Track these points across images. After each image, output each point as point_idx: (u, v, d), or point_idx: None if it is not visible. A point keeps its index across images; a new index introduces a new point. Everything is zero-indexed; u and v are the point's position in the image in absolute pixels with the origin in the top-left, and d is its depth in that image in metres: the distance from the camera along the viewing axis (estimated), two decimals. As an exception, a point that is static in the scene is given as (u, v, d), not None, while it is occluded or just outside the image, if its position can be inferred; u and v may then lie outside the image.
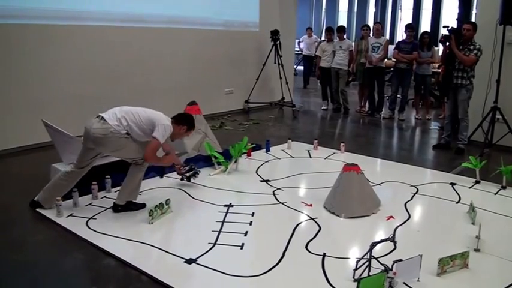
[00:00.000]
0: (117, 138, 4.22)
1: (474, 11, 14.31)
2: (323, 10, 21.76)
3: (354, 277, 3.34)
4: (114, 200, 4.52)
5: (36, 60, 6.56)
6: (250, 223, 4.32)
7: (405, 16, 19.25)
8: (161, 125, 4.27)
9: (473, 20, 11.92)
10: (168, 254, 3.71)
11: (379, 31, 9.75)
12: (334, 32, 10.48)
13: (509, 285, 3.36)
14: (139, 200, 4.61)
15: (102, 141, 4.22)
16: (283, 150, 6.85)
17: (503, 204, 4.96)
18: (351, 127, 9.26)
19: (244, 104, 10.17)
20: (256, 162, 6.23)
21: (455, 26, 7.42)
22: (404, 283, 3.28)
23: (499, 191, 5.38)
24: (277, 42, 9.92)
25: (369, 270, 3.30)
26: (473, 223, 4.36)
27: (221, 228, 4.19)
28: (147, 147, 4.27)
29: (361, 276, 3.25)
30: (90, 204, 4.69)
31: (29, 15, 6.47)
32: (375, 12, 20.39)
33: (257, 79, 10.03)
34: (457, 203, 4.97)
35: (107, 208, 4.56)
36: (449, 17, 16.35)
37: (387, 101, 10.78)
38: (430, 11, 18.00)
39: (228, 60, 9.68)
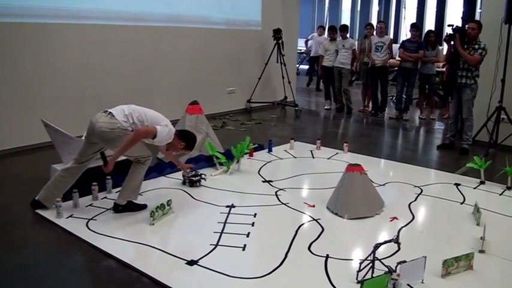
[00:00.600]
0: (123, 135, 4.23)
1: (479, 10, 14.29)
2: (326, 8, 21.75)
3: (357, 279, 3.33)
4: (114, 201, 4.52)
5: (35, 59, 6.57)
6: (253, 224, 4.31)
7: (409, 15, 19.24)
8: (166, 126, 4.29)
9: (477, 18, 11.91)
10: (169, 255, 3.71)
11: (382, 30, 9.74)
12: (337, 30, 10.47)
13: (515, 287, 3.36)
14: (140, 200, 4.62)
15: (108, 136, 4.23)
16: (285, 151, 6.84)
17: (508, 205, 4.95)
18: (354, 127, 9.26)
19: (246, 104, 10.17)
20: (258, 163, 6.23)
21: (459, 24, 7.39)
22: (408, 285, 3.27)
23: (504, 191, 5.37)
24: (280, 41, 9.91)
25: (373, 272, 3.30)
26: (478, 224, 4.35)
27: (223, 229, 4.19)
28: (142, 128, 4.26)
29: (365, 278, 3.25)
30: (90, 205, 4.69)
31: (28, 14, 6.47)
32: (378, 11, 20.38)
33: (259, 78, 10.03)
34: (461, 203, 4.96)
35: (108, 209, 4.56)
36: (454, 16, 16.35)
37: (391, 100, 10.79)
38: (435, 9, 17.98)
39: (230, 59, 9.68)
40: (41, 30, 6.63)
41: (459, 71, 6.95)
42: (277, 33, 9.91)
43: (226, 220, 4.38)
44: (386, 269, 3.30)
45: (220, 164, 5.82)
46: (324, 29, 13.98)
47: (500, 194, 5.30)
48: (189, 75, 8.79)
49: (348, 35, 10.33)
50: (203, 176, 5.35)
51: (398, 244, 3.56)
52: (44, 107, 6.60)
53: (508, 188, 5.41)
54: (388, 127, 9.11)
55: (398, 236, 3.59)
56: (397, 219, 4.46)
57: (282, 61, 9.93)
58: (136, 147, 4.32)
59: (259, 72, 10.01)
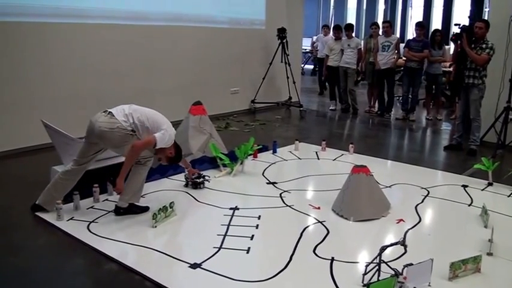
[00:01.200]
0: (123, 134, 4.24)
1: (486, 9, 14.26)
2: (331, 7, 21.73)
3: (363, 282, 3.33)
4: (116, 203, 4.52)
5: (36, 59, 6.58)
6: (257, 226, 4.31)
7: (416, 14, 19.21)
8: (165, 132, 4.28)
9: (485, 17, 11.88)
10: (172, 258, 3.71)
11: (388, 30, 9.70)
12: (343, 30, 10.47)
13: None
14: (142, 202, 4.61)
15: (107, 135, 4.23)
16: (290, 152, 6.84)
17: (516, 207, 4.93)
18: (359, 128, 9.25)
19: (250, 104, 10.17)
20: (262, 164, 6.22)
21: (467, 24, 7.38)
22: (414, 288, 3.27)
23: (512, 193, 5.36)
24: (284, 41, 9.90)
25: (379, 275, 3.29)
26: (485, 226, 4.34)
27: (226, 231, 4.18)
28: (141, 141, 4.26)
29: (371, 281, 3.24)
30: (91, 207, 4.69)
31: (29, 13, 6.48)
32: (384, 10, 20.36)
33: (263, 78, 10.02)
34: (469, 205, 4.95)
35: (109, 211, 4.56)
36: (461, 15, 16.31)
37: (397, 101, 10.77)
38: (441, 8, 17.95)
39: (233, 59, 9.68)
40: (41, 30, 6.64)
41: (466, 71, 6.94)
42: (281, 33, 9.89)
43: (229, 222, 4.38)
44: (393, 272, 3.29)
45: (224, 165, 5.82)
46: (329, 28, 13.69)
47: (508, 196, 5.28)
48: (192, 75, 8.79)
49: (353, 34, 10.31)
50: (206, 177, 5.34)
51: (405, 246, 3.55)
52: (44, 107, 6.60)
53: (516, 190, 5.40)
54: (394, 128, 9.10)
55: (404, 238, 3.58)
56: (403, 221, 4.46)
57: (287, 61, 9.91)
58: None
59: (264, 72, 10.00)
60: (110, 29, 7.47)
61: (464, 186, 5.50)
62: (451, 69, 10.05)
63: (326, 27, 13.85)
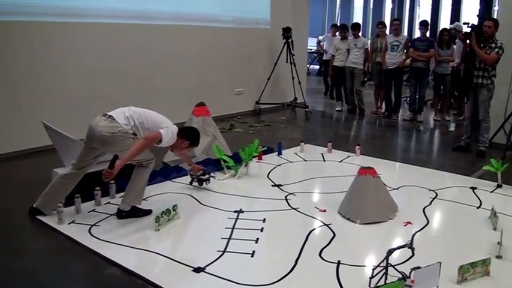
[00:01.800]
0: (124, 138, 4.24)
1: (495, 7, 14.22)
2: (337, 6, 21.74)
3: (370, 285, 3.33)
4: (118, 206, 4.53)
5: (37, 59, 6.59)
6: (262, 230, 4.31)
7: (423, 13, 19.20)
8: (168, 129, 4.29)
9: (494, 16, 11.85)
10: (175, 262, 3.71)
11: (398, 28, 9.69)
12: (349, 29, 10.46)
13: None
14: (144, 205, 4.61)
15: (109, 140, 4.23)
16: (295, 154, 6.84)
17: (526, 209, 4.92)
18: (366, 129, 9.25)
19: (255, 105, 10.18)
20: (267, 166, 6.22)
21: (475, 22, 7.38)
22: (422, 291, 3.26)
23: (522, 195, 5.34)
24: (290, 40, 9.89)
25: (386, 279, 3.29)
26: (494, 229, 4.33)
27: (231, 235, 4.19)
28: (150, 134, 4.27)
29: (378, 285, 3.25)
30: (93, 210, 4.69)
31: (29, 12, 6.47)
32: (391, 9, 20.36)
33: (268, 79, 10.02)
34: (477, 208, 4.94)
35: (111, 214, 4.56)
36: (470, 14, 16.28)
37: (404, 102, 10.75)
38: (450, 7, 17.93)
39: (237, 59, 9.69)
40: (42, 29, 6.65)
41: (475, 71, 6.93)
42: (286, 32, 9.88)
43: (234, 226, 4.38)
44: (400, 276, 3.29)
45: (228, 167, 5.82)
46: (337, 27, 13.02)
47: (518, 198, 5.27)
48: (195, 75, 8.80)
49: (360, 34, 10.31)
50: (212, 174, 5.35)
51: (413, 249, 3.55)
52: (45, 108, 6.59)
53: (527, 192, 5.38)
54: (401, 129, 9.09)
55: (412, 241, 3.57)
56: (411, 224, 4.45)
57: (292, 61, 9.91)
58: None
59: (268, 73, 10.00)
60: (112, 28, 7.49)
61: (473, 188, 5.49)
62: (455, 66, 10.02)
63: (335, 26, 13.20)
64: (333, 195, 5.09)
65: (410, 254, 3.69)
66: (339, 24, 12.66)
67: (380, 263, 3.38)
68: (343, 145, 7.39)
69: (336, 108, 10.76)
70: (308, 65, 13.73)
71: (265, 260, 3.85)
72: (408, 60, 9.90)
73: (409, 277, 3.24)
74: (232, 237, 4.13)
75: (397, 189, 5.41)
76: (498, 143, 7.20)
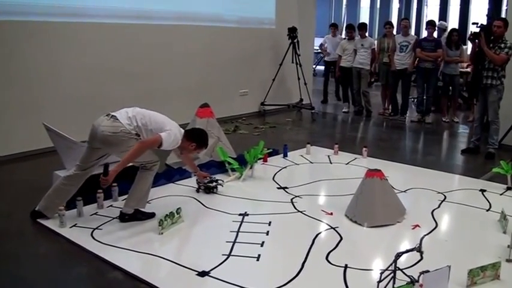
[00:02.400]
0: (127, 139, 4.24)
1: (505, 7, 14.20)
2: (344, 6, 21.75)
3: (377, 290, 3.32)
4: (120, 209, 4.53)
5: (38, 60, 6.60)
6: (267, 233, 4.31)
7: (431, 12, 19.17)
8: (171, 131, 4.29)
9: (503, 16, 11.82)
10: (179, 266, 3.71)
11: (407, 28, 9.66)
12: (356, 29, 10.45)
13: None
14: (148, 208, 4.61)
15: (111, 140, 4.23)
16: (301, 156, 6.83)
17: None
18: (373, 131, 9.23)
19: (259, 106, 10.18)
20: (273, 168, 6.22)
21: (484, 22, 7.35)
22: (431, 296, 3.25)
23: (532, 197, 5.31)
24: (295, 41, 9.89)
25: (394, 283, 3.27)
26: (504, 232, 4.32)
27: (236, 238, 4.18)
28: (147, 139, 4.27)
29: (386, 289, 3.24)
30: (95, 213, 4.69)
31: (30, 12, 6.48)
32: (399, 9, 20.35)
33: (273, 80, 10.02)
34: (487, 210, 4.93)
35: (114, 218, 4.56)
36: (478, 13, 16.26)
37: (412, 103, 10.72)
38: (458, 6, 17.90)
39: (242, 59, 9.69)
40: (44, 29, 6.66)
41: (484, 71, 6.90)
42: (292, 32, 9.88)
43: (239, 229, 4.38)
44: (409, 280, 3.27)
45: (233, 170, 5.82)
46: (337, 27, 12.80)
47: (528, 201, 5.24)
48: (199, 76, 8.81)
49: (366, 34, 10.30)
50: (220, 181, 5.33)
51: (421, 253, 3.53)
52: (46, 110, 6.59)
53: (537, 194, 5.36)
54: (409, 130, 9.07)
55: (420, 244, 3.56)
56: (419, 227, 4.44)
57: (298, 61, 9.91)
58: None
59: (274, 73, 10.00)
60: (115, 28, 7.51)
61: (482, 191, 5.47)
62: (468, 69, 10.01)
63: (334, 26, 12.61)
64: (339, 198, 5.09)
65: (419, 258, 3.68)
66: (345, 25, 12.59)
67: (388, 267, 3.36)
68: (350, 147, 7.38)
69: (343, 110, 10.76)
70: (314, 66, 13.68)
71: (271, 263, 3.84)
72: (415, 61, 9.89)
73: (417, 281, 3.23)
74: (237, 241, 4.13)
75: (405, 191, 5.39)
76: (508, 145, 7.20)
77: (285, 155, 6.77)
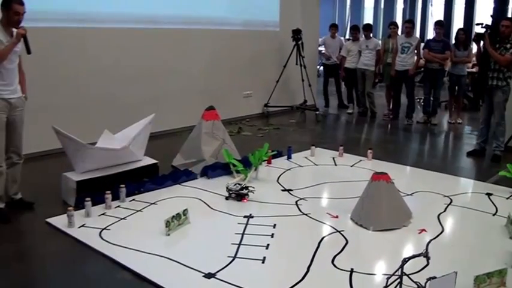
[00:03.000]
0: None
1: (510, 6, 14.21)
2: (348, 7, 21.75)
3: (383, 295, 3.33)
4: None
5: (47, 64, 6.61)
6: (272, 235, 4.33)
7: (436, 12, 19.16)
8: None
9: (509, 15, 11.82)
10: (186, 267, 3.74)
11: (409, 30, 9.62)
12: (360, 30, 10.45)
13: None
14: (154, 209, 4.66)
15: None
16: (306, 158, 6.85)
17: (544, 217, 4.90)
18: (378, 132, 9.22)
19: (263, 108, 10.18)
20: (277, 171, 6.24)
21: (489, 23, 7.33)
22: (438, 302, 3.25)
23: (539, 202, 5.31)
24: (299, 42, 9.90)
25: (400, 288, 3.29)
26: (511, 237, 4.32)
27: (241, 240, 4.21)
28: None
29: (392, 294, 3.24)
30: (103, 214, 4.74)
31: (40, 18, 6.49)
32: (403, 9, 20.34)
33: (277, 81, 10.02)
34: (493, 215, 4.92)
35: (121, 218, 4.62)
36: (484, 13, 16.25)
37: (418, 104, 10.71)
38: (463, 6, 17.88)
39: (246, 61, 9.71)
40: (53, 35, 6.72)
41: (490, 72, 6.86)
42: (296, 34, 9.88)
43: (244, 231, 4.40)
44: (415, 285, 3.28)
45: (238, 171, 5.83)
46: (337, 27, 11.98)
47: (535, 205, 5.24)
48: (204, 78, 8.83)
49: (371, 35, 10.30)
50: (250, 188, 5.25)
51: (428, 258, 3.54)
52: (55, 113, 6.61)
53: (544, 198, 5.35)
54: (414, 132, 9.06)
55: (427, 250, 3.57)
56: (425, 231, 4.44)
57: (302, 63, 9.91)
58: None
59: (277, 75, 10.00)
60: (121, 33, 7.55)
61: (489, 195, 5.47)
62: (474, 70, 9.98)
63: (334, 27, 11.77)
64: (345, 201, 5.10)
65: (425, 263, 3.68)
66: (349, 26, 12.51)
67: (395, 272, 3.37)
68: (355, 149, 7.37)
69: (347, 111, 10.76)
70: (318, 67, 13.67)
71: (276, 266, 3.86)
72: (422, 61, 9.88)
73: (424, 287, 3.24)
74: (242, 243, 4.16)
75: (411, 194, 5.40)
76: (514, 148, 7.18)
77: (289, 157, 6.78)
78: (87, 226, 4.45)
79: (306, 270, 3.73)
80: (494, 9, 14.48)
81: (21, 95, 4.77)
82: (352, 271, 3.70)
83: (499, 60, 6.72)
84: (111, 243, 4.11)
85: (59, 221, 4.51)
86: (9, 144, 4.73)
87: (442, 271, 3.33)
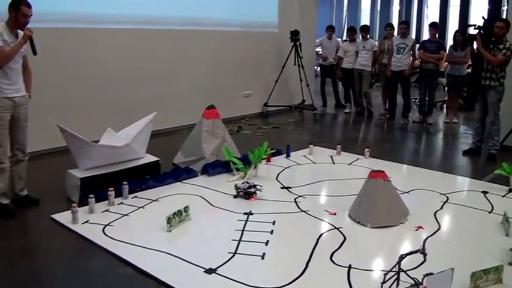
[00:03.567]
0: None
1: (505, 7, 14.20)
2: (345, 9, 21.74)
3: (381, 290, 3.33)
4: None
5: (52, 64, 6.59)
6: (271, 232, 4.33)
7: (432, 14, 19.17)
8: None
9: (503, 16, 11.82)
10: (187, 263, 3.74)
11: (404, 32, 9.61)
12: (357, 31, 10.44)
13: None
14: (156, 206, 4.66)
15: None
16: (304, 156, 6.84)
17: (538, 215, 4.90)
18: (375, 131, 9.23)
19: (262, 108, 10.18)
20: (276, 168, 6.24)
21: (481, 24, 7.34)
22: (434, 297, 3.26)
23: (534, 200, 5.31)
24: (298, 43, 9.91)
25: (398, 284, 3.28)
26: (507, 235, 4.31)
27: (241, 237, 4.21)
28: None
29: (390, 290, 3.24)
30: (106, 210, 4.74)
31: (43, 19, 6.50)
32: (399, 10, 20.34)
33: (276, 81, 10.02)
34: (489, 212, 4.92)
35: (124, 215, 4.63)
36: (478, 14, 16.27)
37: (414, 103, 10.71)
38: (458, 8, 17.88)
39: (246, 62, 9.71)
40: (57, 35, 6.71)
41: (483, 73, 6.88)
42: (294, 35, 9.89)
43: (244, 228, 4.40)
44: (412, 282, 3.28)
45: (237, 169, 5.83)
46: (334, 29, 11.90)
47: (530, 203, 5.24)
48: (205, 78, 8.84)
49: (368, 36, 10.30)
50: (258, 187, 5.23)
51: (425, 255, 3.54)
52: (60, 111, 6.61)
53: (539, 196, 5.35)
54: (411, 131, 9.06)
55: (424, 246, 3.57)
56: (422, 228, 4.44)
57: (300, 63, 9.92)
58: None
59: (276, 75, 10.00)
60: (123, 34, 7.56)
61: (485, 193, 5.47)
62: (469, 70, 9.98)
63: (330, 28, 11.70)
64: (342, 198, 5.10)
65: (422, 260, 3.69)
66: (346, 27, 12.50)
67: (392, 268, 3.37)
68: (352, 147, 7.38)
69: (345, 110, 10.76)
70: (316, 67, 13.66)
71: (275, 262, 3.86)
72: (417, 61, 9.87)
73: (421, 283, 3.24)
74: (242, 239, 4.15)
75: (407, 192, 5.40)
76: (509, 146, 7.16)
77: (288, 155, 6.78)
78: (91, 222, 4.46)
79: (304, 266, 3.73)
80: (489, 10, 14.49)
81: (24, 93, 4.76)
82: (350, 267, 3.70)
83: (490, 61, 6.72)
84: (114, 239, 4.12)
85: (63, 217, 4.53)
86: (14, 141, 4.75)
87: (439, 267, 3.33)
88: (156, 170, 5.64)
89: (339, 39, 13.89)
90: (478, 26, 7.03)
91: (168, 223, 4.25)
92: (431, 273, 3.22)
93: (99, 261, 3.86)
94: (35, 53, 4.68)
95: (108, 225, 4.41)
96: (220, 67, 9.13)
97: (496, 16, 12.77)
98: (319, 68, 12.92)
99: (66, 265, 3.85)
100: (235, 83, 9.55)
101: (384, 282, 3.35)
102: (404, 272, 3.42)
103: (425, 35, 17.48)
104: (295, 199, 5.16)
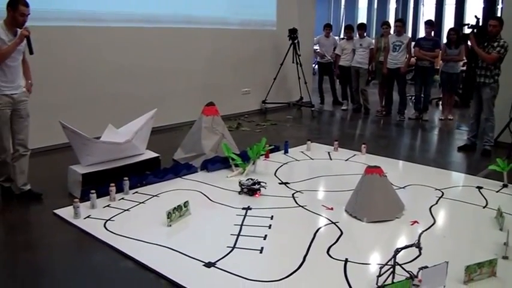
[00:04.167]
0: None
1: (499, 6, 14.20)
2: (342, 7, 21.73)
3: (377, 284, 3.33)
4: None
5: (52, 61, 6.61)
6: (270, 226, 4.34)
7: (428, 12, 19.16)
8: None
9: (498, 14, 11.82)
10: (187, 256, 3.75)
11: (399, 30, 9.60)
12: (354, 29, 10.44)
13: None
14: (156, 202, 4.67)
15: None
16: (302, 152, 6.85)
17: (532, 209, 4.91)
18: (372, 128, 9.23)
19: (261, 105, 10.18)
20: (274, 164, 6.24)
21: (474, 23, 7.34)
22: (429, 290, 3.27)
23: (528, 195, 5.31)
24: (296, 41, 9.90)
25: (393, 277, 3.29)
26: (501, 229, 4.32)
27: (240, 231, 4.22)
28: None
29: (385, 283, 3.25)
30: (107, 205, 4.75)
31: (45, 17, 6.52)
32: (396, 9, 20.33)
33: (274, 79, 10.03)
34: (484, 207, 4.93)
35: (125, 210, 4.64)
36: (474, 12, 16.26)
37: (410, 100, 10.71)
38: (454, 6, 17.88)
39: (244, 60, 9.70)
40: (60, 33, 6.72)
41: (478, 70, 6.90)
42: (292, 33, 9.89)
43: (242, 222, 4.41)
44: (408, 275, 3.30)
45: (236, 165, 5.84)
46: (331, 27, 11.97)
47: (524, 198, 5.24)
48: (204, 76, 8.84)
49: (365, 34, 10.30)
50: (262, 184, 5.24)
51: (420, 249, 3.55)
52: (62, 108, 6.62)
53: (532, 191, 5.36)
54: (407, 128, 9.07)
55: (419, 240, 3.58)
56: (417, 223, 4.45)
57: (298, 61, 9.92)
58: None
59: (275, 73, 10.00)
60: (123, 31, 7.55)
61: (479, 188, 5.48)
62: (463, 67, 9.98)
63: (328, 27, 11.72)
64: (339, 194, 5.11)
65: (417, 253, 3.68)
66: (343, 25, 12.50)
67: (387, 262, 3.39)
68: (349, 144, 7.38)
69: (342, 107, 10.76)
70: (314, 65, 13.65)
71: (273, 256, 3.87)
72: (413, 59, 9.87)
73: (416, 276, 3.25)
74: (241, 234, 4.16)
75: (403, 188, 5.40)
76: (503, 142, 7.15)
77: (286, 152, 6.78)
78: (93, 217, 4.47)
79: (302, 260, 3.74)
80: (484, 9, 14.48)
81: (24, 90, 4.76)
82: (346, 261, 3.71)
83: (484, 59, 6.74)
84: (115, 234, 4.13)
85: (65, 212, 4.54)
86: (16, 136, 4.76)
87: (434, 261, 3.34)
88: (156, 166, 5.64)
89: (337, 37, 13.86)
90: (472, 25, 7.04)
91: (168, 218, 4.26)
92: (426, 267, 3.24)
93: (101, 255, 3.87)
94: (31, 52, 4.69)
95: (109, 220, 4.42)
96: (219, 65, 9.13)
97: (491, 14, 12.77)
98: (317, 66, 12.95)
99: (68, 259, 3.86)
100: (234, 81, 9.55)
101: (379, 275, 3.37)
102: (400, 265, 3.45)
103: (422, 33, 17.49)
104: (293, 194, 5.17)
